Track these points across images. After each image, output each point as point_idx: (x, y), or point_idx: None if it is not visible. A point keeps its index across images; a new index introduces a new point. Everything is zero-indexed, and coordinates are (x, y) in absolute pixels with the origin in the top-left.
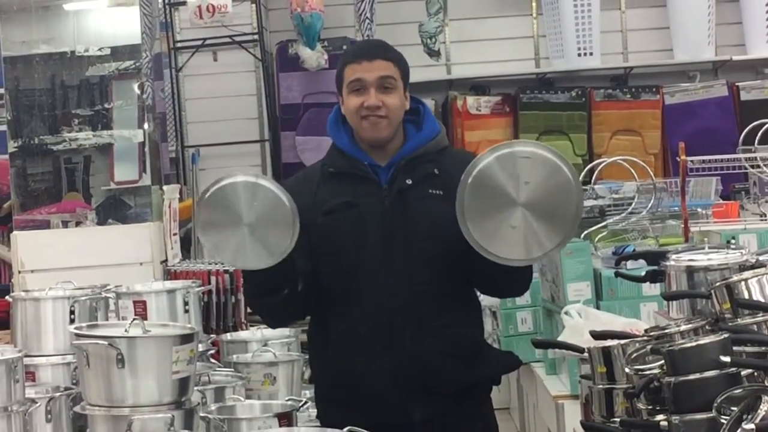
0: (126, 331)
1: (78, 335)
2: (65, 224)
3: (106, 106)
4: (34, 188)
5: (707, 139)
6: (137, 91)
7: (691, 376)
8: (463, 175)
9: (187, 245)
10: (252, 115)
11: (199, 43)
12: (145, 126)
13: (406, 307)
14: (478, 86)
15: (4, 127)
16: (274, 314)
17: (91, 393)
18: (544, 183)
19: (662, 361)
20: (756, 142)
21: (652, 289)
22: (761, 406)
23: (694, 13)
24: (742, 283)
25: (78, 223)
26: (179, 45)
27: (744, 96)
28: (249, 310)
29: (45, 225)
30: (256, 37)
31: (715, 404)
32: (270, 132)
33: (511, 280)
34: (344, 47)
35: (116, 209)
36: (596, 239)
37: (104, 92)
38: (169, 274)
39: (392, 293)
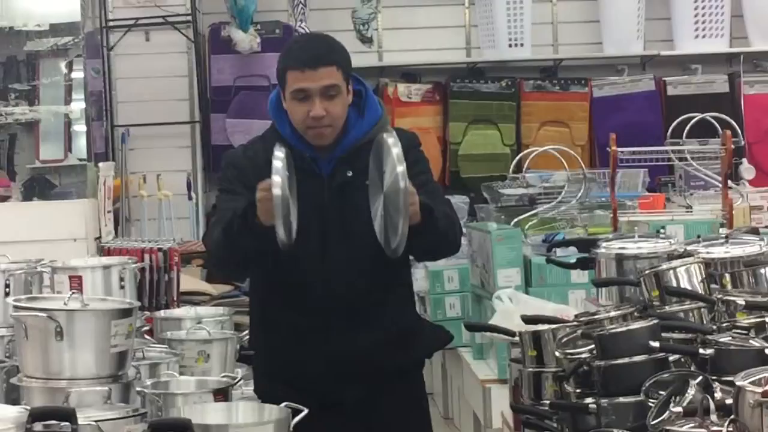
0: (65, 304)
1: (17, 307)
2: None
3: (40, 82)
4: None
5: (634, 132)
6: (64, 69)
7: (621, 360)
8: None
9: (115, 224)
10: (183, 96)
11: (131, 22)
12: (76, 104)
13: (343, 299)
14: (409, 74)
15: None
16: (233, 259)
17: (29, 365)
18: (389, 172)
19: (592, 346)
20: (684, 135)
21: (580, 276)
22: (688, 390)
23: (623, 7)
24: (671, 271)
25: (4, 199)
26: (112, 24)
27: (671, 91)
28: (209, 247)
29: None
30: (189, 18)
31: (644, 388)
32: (201, 114)
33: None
34: (276, 31)
35: (41, 187)
36: (526, 227)
37: (35, 68)
38: (103, 251)
39: (330, 284)
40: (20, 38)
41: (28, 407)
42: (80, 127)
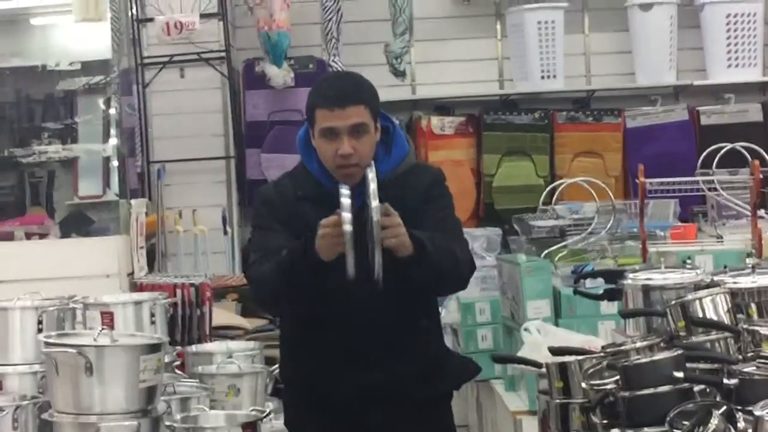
0: (95, 340)
1: (47, 344)
2: (29, 237)
3: (75, 120)
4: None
5: (667, 162)
6: (102, 106)
7: (645, 391)
8: None
9: (151, 259)
10: (218, 131)
11: (166, 59)
12: (111, 141)
13: (372, 330)
14: (442, 107)
15: None
16: (285, 296)
17: (59, 401)
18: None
19: (618, 377)
20: (714, 165)
21: (610, 307)
22: (712, 420)
23: (655, 38)
24: (697, 301)
25: (42, 236)
26: (147, 61)
27: (704, 120)
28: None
29: (9, 237)
30: (223, 54)
31: (668, 418)
32: (235, 149)
33: (436, 276)
34: (310, 65)
35: (79, 223)
36: (556, 258)
37: (72, 107)
38: (136, 287)
39: (359, 317)
40: (53, 77)
41: None
42: (113, 163)
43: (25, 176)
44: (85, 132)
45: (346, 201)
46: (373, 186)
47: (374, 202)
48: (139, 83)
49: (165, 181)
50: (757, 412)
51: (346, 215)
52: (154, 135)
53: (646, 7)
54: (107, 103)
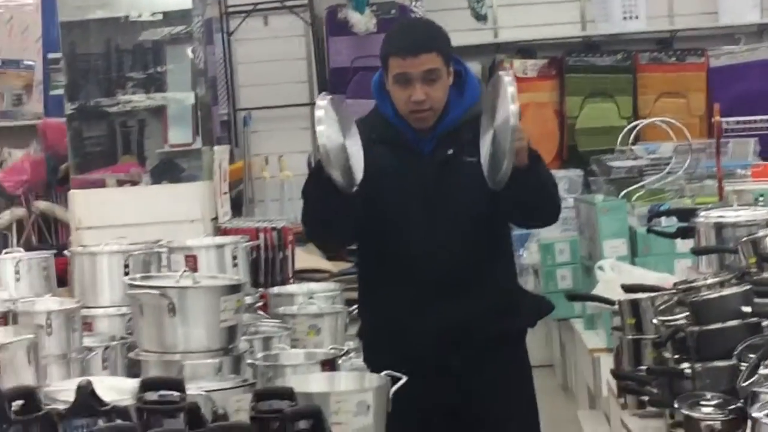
0: (177, 281)
1: (132, 286)
2: (120, 184)
3: (158, 69)
4: (90, 151)
5: (752, 101)
6: (190, 54)
7: (714, 326)
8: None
9: (239, 205)
10: (302, 78)
11: (250, 8)
12: (197, 89)
13: (447, 270)
14: (524, 50)
15: (59, 91)
16: (317, 223)
17: (145, 340)
18: (501, 108)
19: (688, 313)
20: None
21: (685, 246)
22: None
23: None
24: (767, 238)
25: (134, 184)
26: (231, 10)
27: None
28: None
29: (101, 185)
30: (306, 1)
31: (736, 352)
32: (320, 94)
33: (533, 202)
34: (392, 11)
35: (170, 171)
36: (634, 198)
37: (157, 56)
38: (220, 231)
39: (434, 256)
40: (136, 27)
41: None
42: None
43: (116, 125)
44: (172, 80)
45: (318, 113)
46: (511, 89)
47: (512, 106)
48: (224, 32)
49: (251, 128)
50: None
51: (319, 128)
52: (239, 83)
53: None
54: (194, 51)
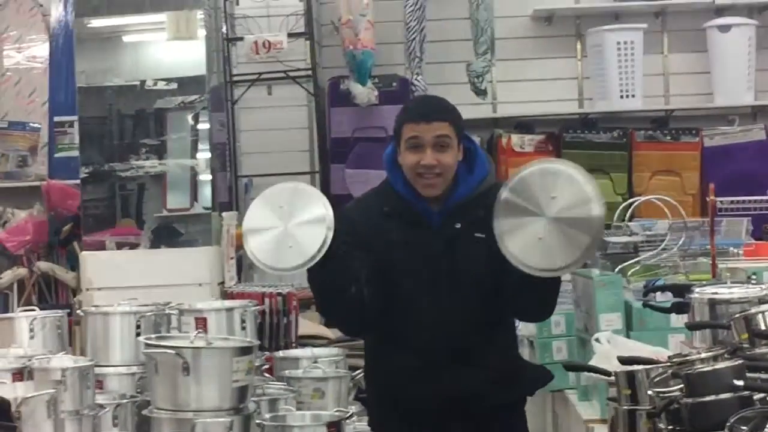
0: (191, 342)
1: (148, 345)
2: (119, 247)
3: (171, 135)
4: (92, 213)
5: (744, 181)
6: (191, 122)
7: (707, 398)
8: (499, 192)
9: (238, 270)
10: (303, 147)
11: (254, 77)
12: (201, 155)
13: (451, 341)
14: (522, 125)
15: (64, 154)
16: (344, 314)
17: (158, 398)
18: (569, 198)
19: (682, 385)
20: None
21: (679, 321)
22: None
23: (734, 58)
24: (760, 315)
25: (132, 246)
26: (235, 79)
27: None
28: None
29: (101, 247)
30: (309, 72)
31: (728, 424)
32: (320, 164)
33: (540, 300)
34: (394, 84)
35: (168, 235)
36: (629, 274)
37: (164, 123)
38: (226, 295)
39: (437, 328)
40: (150, 95)
41: None
42: (205, 177)
43: (116, 189)
44: (174, 147)
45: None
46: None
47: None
48: (228, 100)
49: (252, 195)
50: None
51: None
52: (242, 150)
53: (724, 29)
54: (195, 119)
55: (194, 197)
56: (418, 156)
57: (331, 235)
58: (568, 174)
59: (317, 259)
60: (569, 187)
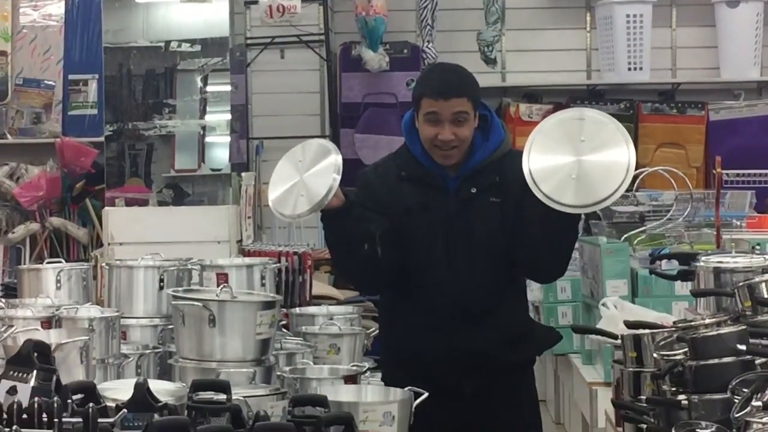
0: (217, 295)
1: (176, 297)
2: (128, 204)
3: (193, 97)
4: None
5: (748, 155)
6: (199, 84)
7: (711, 361)
8: (529, 137)
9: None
10: (314, 111)
11: (268, 41)
12: (212, 117)
13: (464, 302)
14: (530, 94)
15: (78, 112)
16: (357, 271)
17: (184, 348)
18: (598, 141)
19: (686, 348)
20: None
21: (683, 288)
22: None
23: (741, 33)
24: (763, 283)
25: (141, 204)
26: (249, 42)
27: None
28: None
29: (111, 204)
30: (321, 37)
31: (730, 386)
32: (330, 128)
33: (558, 253)
34: (405, 51)
35: (175, 195)
36: (635, 242)
37: (175, 83)
38: (244, 253)
39: (452, 289)
40: (174, 56)
41: (184, 384)
42: (215, 139)
43: (125, 148)
44: (184, 109)
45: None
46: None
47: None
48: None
49: (263, 157)
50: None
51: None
52: (253, 112)
53: (732, 4)
54: (205, 80)
55: (202, 158)
56: (436, 129)
57: (338, 179)
58: (596, 118)
59: (325, 203)
60: (598, 130)
